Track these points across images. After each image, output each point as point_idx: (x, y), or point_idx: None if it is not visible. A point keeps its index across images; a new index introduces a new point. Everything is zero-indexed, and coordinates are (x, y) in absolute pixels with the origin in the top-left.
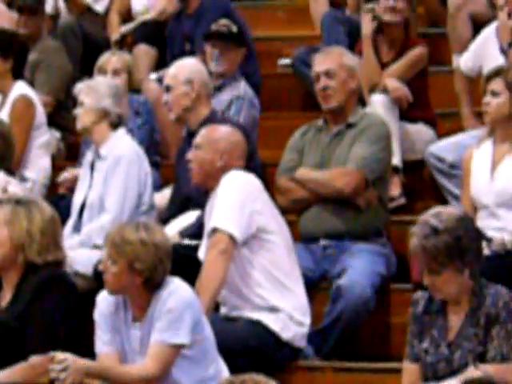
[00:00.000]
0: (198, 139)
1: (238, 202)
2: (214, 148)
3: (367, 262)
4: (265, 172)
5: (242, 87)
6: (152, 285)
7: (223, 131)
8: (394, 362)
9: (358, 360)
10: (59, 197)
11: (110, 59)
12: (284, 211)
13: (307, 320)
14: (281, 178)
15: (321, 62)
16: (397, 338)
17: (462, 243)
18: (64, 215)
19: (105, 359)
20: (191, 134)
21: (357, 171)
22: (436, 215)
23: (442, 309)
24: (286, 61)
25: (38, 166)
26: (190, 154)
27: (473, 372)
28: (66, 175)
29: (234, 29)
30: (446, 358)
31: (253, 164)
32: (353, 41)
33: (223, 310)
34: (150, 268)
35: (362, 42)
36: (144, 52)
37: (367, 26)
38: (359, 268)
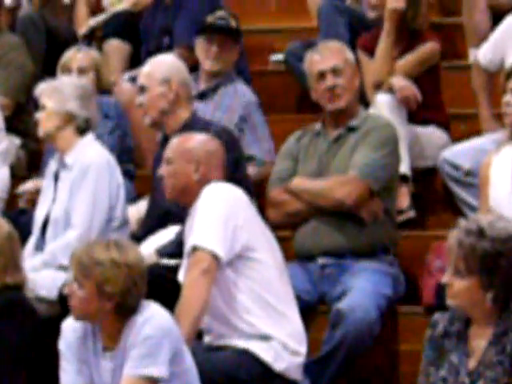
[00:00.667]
0: (169, 152)
1: (220, 216)
2: (187, 160)
3: (371, 283)
4: (254, 183)
5: (240, 89)
6: (124, 310)
7: (196, 140)
8: None
9: None
10: (19, 211)
11: (76, 56)
12: (277, 227)
13: (303, 349)
14: (273, 190)
15: (326, 59)
16: (405, 368)
17: (501, 261)
18: (24, 232)
19: None
20: (168, 140)
21: (359, 180)
22: (491, 221)
23: (463, 332)
24: (278, 56)
25: None
26: (162, 170)
27: None
28: (26, 187)
29: (233, 23)
30: None
31: (239, 174)
32: (354, 34)
33: (207, 339)
34: (122, 291)
35: (382, 32)
36: (115, 48)
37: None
38: (362, 289)
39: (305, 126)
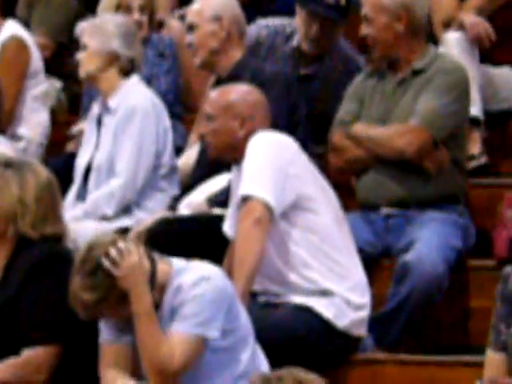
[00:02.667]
0: (209, 108)
1: (270, 165)
2: (230, 116)
3: (439, 234)
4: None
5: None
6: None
7: (237, 92)
8: (472, 355)
9: (427, 352)
10: (67, 156)
11: None
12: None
13: (367, 300)
14: (335, 133)
15: (363, 4)
16: (476, 325)
17: None
18: (63, 178)
19: (110, 353)
20: (221, 82)
21: (422, 128)
22: None
23: None
24: None
25: (34, 121)
26: (203, 128)
27: None
28: (78, 128)
29: (343, 1)
30: None
31: (296, 118)
32: None
33: (262, 299)
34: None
35: None
36: None
37: None
38: (430, 240)
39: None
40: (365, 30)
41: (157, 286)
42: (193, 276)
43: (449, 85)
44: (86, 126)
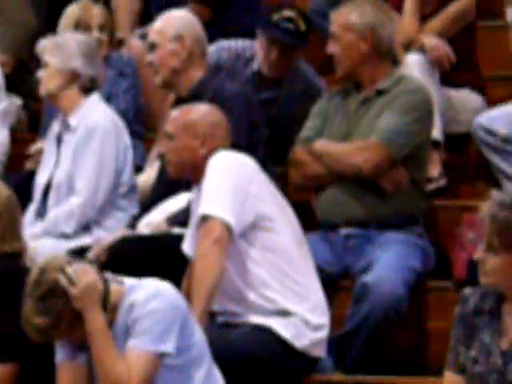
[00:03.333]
0: (169, 127)
1: (230, 184)
2: (191, 134)
3: (398, 255)
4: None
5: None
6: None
7: (198, 112)
8: (430, 376)
9: (386, 373)
10: (26, 174)
11: (92, 12)
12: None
13: (325, 321)
14: (297, 149)
15: (331, 22)
16: (434, 347)
17: None
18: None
19: (67, 372)
20: (181, 102)
21: (379, 146)
22: None
23: (496, 309)
24: None
25: None
26: (163, 146)
27: None
28: (37, 147)
29: (302, 25)
30: (499, 369)
31: (255, 138)
32: None
33: (221, 320)
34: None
35: None
36: (124, 2)
37: None
38: (389, 262)
39: (341, 85)
40: (331, 47)
41: (110, 306)
42: (145, 293)
43: (411, 105)
44: (45, 144)
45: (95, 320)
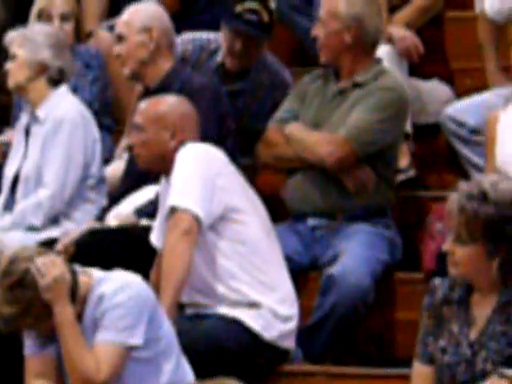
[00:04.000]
0: (139, 119)
1: (198, 176)
2: (161, 126)
3: (365, 247)
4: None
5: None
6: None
7: (167, 103)
8: (399, 367)
9: (355, 364)
10: None
11: (55, 2)
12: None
13: (294, 312)
14: (271, 129)
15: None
16: (402, 338)
17: (507, 228)
18: None
19: (35, 364)
20: (149, 93)
21: (346, 141)
22: (494, 183)
23: (464, 299)
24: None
25: None
26: (132, 138)
27: (496, 383)
28: (2, 138)
29: (266, 17)
30: (467, 359)
31: (225, 130)
32: None
33: (189, 312)
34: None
35: None
36: None
37: None
38: (356, 253)
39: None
40: (316, 30)
41: (78, 298)
42: (113, 285)
43: (384, 102)
44: (13, 136)
45: (63, 312)
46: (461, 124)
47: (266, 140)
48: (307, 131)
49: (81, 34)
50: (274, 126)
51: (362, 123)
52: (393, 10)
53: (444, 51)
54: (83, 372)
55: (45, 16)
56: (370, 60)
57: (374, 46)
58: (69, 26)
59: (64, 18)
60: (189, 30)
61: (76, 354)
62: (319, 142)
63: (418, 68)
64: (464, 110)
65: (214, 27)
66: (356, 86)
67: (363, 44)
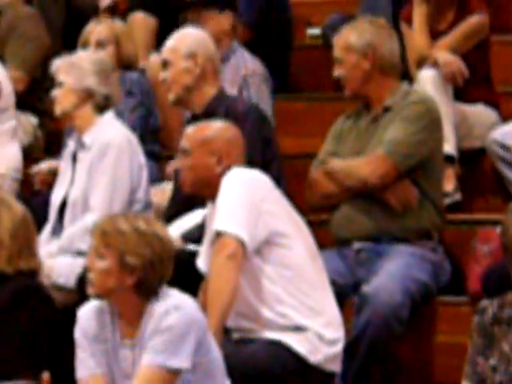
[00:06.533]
0: (186, 142)
1: (243, 201)
2: (207, 151)
3: (402, 266)
4: (288, 164)
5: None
6: (145, 290)
7: (214, 128)
8: None
9: None
10: (33, 193)
11: (95, 29)
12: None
13: (340, 335)
14: (312, 171)
15: (334, 46)
16: (442, 361)
17: None
18: (38, 215)
19: None
20: (195, 119)
21: (385, 157)
22: None
23: None
24: (314, 30)
25: (5, 157)
26: (178, 162)
27: None
28: (40, 167)
29: None
30: None
31: (271, 153)
32: (398, 5)
33: (235, 336)
34: (145, 265)
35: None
36: (141, 21)
37: None
38: (390, 271)
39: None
40: (336, 71)
41: None
42: (166, 304)
43: (415, 115)
44: (61, 163)
45: None
46: (506, 148)
47: (310, 183)
48: (347, 160)
49: (124, 61)
50: (317, 167)
51: (398, 137)
52: (438, 35)
53: (489, 75)
54: None
55: (84, 43)
56: (395, 82)
57: (393, 68)
58: (104, 53)
59: (100, 44)
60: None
61: None
62: (359, 164)
63: (463, 92)
64: (510, 133)
65: None
66: (387, 110)
67: (382, 68)
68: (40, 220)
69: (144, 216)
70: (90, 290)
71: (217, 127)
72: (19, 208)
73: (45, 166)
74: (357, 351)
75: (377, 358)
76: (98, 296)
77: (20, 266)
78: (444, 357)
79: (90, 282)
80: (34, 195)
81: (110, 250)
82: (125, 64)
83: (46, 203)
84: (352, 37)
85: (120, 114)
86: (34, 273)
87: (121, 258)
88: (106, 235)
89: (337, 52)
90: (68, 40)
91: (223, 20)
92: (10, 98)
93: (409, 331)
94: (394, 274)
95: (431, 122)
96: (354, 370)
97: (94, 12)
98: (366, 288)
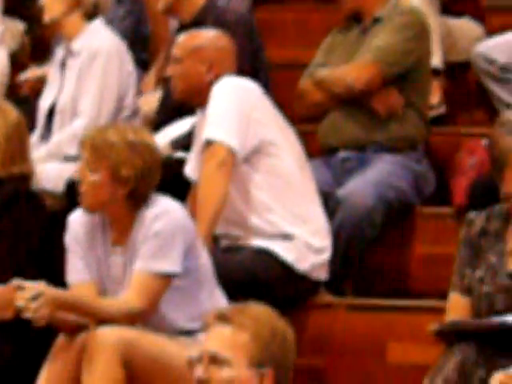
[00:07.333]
0: (177, 51)
1: (234, 109)
2: (198, 59)
3: (381, 173)
4: (276, 74)
5: None
6: (136, 199)
7: (206, 37)
8: (432, 299)
9: (378, 297)
10: (21, 99)
11: None
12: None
13: (327, 244)
14: (301, 82)
15: None
16: (426, 271)
17: None
18: (27, 122)
19: (80, 290)
20: (184, 28)
21: (371, 63)
22: None
23: (501, 230)
24: None
25: None
26: (170, 69)
27: None
28: (28, 75)
29: None
30: (506, 288)
31: (259, 62)
32: None
33: (223, 244)
34: (137, 176)
35: None
36: None
37: None
38: (367, 177)
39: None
40: None
41: None
42: (155, 210)
43: (403, 24)
44: (49, 70)
45: None
46: (491, 61)
47: (299, 93)
48: (335, 68)
49: None
50: (306, 78)
51: (385, 45)
52: None
53: None
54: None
55: None
56: None
57: None
58: None
59: None
60: None
61: None
62: (346, 70)
63: (450, 5)
64: (495, 47)
65: None
66: (376, 21)
67: None
68: (28, 126)
69: (131, 126)
70: (83, 204)
71: (208, 36)
72: (14, 112)
73: (31, 74)
74: (333, 254)
75: (353, 262)
76: (90, 209)
77: (13, 170)
78: (424, 267)
79: (82, 194)
80: (22, 101)
81: (103, 163)
82: None
83: (33, 110)
84: None
85: (110, 22)
86: (26, 177)
87: (113, 170)
88: (97, 149)
89: None
90: None
91: None
92: None
93: (388, 239)
94: (369, 179)
95: (419, 32)
96: (331, 275)
97: None
98: (341, 191)
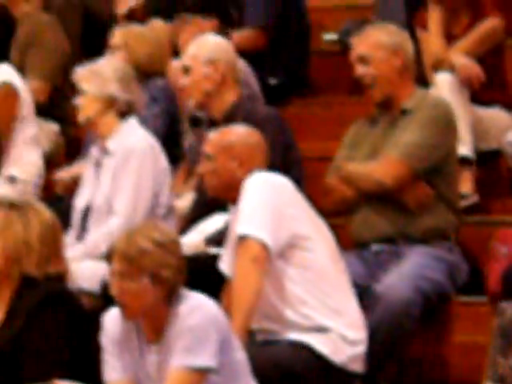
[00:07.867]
0: (208, 147)
1: (265, 204)
2: (229, 155)
3: (415, 265)
4: (307, 167)
5: None
6: (173, 296)
7: (237, 133)
8: None
9: None
10: (55, 198)
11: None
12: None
13: (363, 336)
14: (330, 177)
15: (356, 45)
16: (461, 361)
17: None
18: (61, 221)
19: None
20: (215, 125)
21: (400, 160)
22: None
23: None
24: (331, 35)
25: (27, 163)
26: (202, 167)
27: None
28: (62, 174)
29: None
30: None
31: (291, 157)
32: (411, 11)
33: (259, 337)
34: (175, 274)
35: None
36: (161, 28)
37: None
38: (402, 271)
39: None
40: (361, 70)
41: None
42: (188, 305)
43: (430, 118)
44: (84, 169)
45: None
46: None
47: (325, 189)
48: (361, 164)
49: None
50: (332, 174)
51: (413, 140)
52: (453, 38)
53: (505, 78)
54: None
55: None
56: (413, 87)
57: (413, 71)
58: (119, 57)
59: (115, 47)
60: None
61: None
62: (374, 168)
63: (479, 95)
64: None
65: None
66: (404, 113)
67: (408, 68)
68: (62, 225)
69: (153, 224)
70: (127, 315)
71: (239, 132)
72: (48, 213)
73: (66, 173)
74: (371, 351)
75: (391, 356)
76: (137, 316)
77: (48, 271)
78: (462, 356)
79: (124, 306)
80: (56, 201)
81: (141, 271)
82: (141, 70)
83: (67, 209)
84: (382, 35)
85: (143, 120)
86: (62, 277)
87: (153, 274)
88: (132, 260)
89: (362, 50)
90: (85, 47)
91: (206, 26)
92: (29, 106)
93: (426, 330)
94: (405, 272)
95: (446, 126)
96: (370, 369)
97: (110, 19)
98: (378, 287)
